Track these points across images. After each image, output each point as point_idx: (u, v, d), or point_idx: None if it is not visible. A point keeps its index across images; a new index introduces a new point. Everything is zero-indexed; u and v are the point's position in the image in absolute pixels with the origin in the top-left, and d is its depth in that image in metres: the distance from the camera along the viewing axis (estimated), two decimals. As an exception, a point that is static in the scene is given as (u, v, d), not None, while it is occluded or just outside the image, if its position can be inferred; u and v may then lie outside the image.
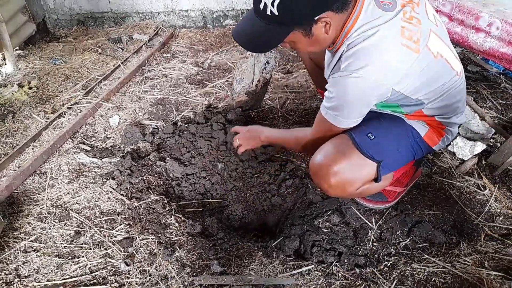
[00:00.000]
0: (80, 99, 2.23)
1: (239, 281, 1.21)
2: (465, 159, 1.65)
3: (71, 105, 2.18)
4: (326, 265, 1.28)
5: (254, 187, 1.70)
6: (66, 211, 1.49)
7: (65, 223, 1.44)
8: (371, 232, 1.39)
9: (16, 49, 2.85)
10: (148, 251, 1.33)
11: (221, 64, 2.81)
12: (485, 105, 2.02)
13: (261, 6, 0.98)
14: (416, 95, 1.10)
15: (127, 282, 1.22)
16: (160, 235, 1.40)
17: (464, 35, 1.82)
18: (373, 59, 0.98)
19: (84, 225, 1.43)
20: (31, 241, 1.37)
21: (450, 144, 1.69)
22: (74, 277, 1.24)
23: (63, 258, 1.31)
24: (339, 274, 1.24)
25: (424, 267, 1.21)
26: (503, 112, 1.96)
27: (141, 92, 2.39)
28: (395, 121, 1.24)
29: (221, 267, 1.28)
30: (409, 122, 1.24)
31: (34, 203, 1.53)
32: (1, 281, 1.22)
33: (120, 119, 2.10)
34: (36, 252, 1.32)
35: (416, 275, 1.19)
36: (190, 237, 1.40)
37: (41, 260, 1.30)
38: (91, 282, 1.22)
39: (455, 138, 1.67)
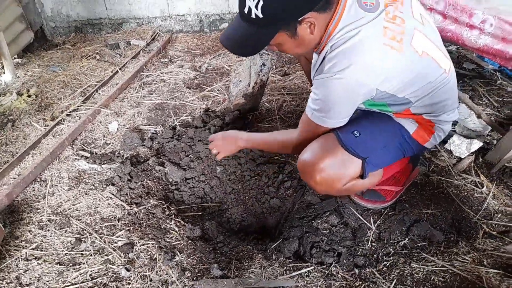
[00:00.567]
0: (79, 106, 2.24)
1: (239, 284, 1.22)
2: (462, 157, 1.65)
3: (70, 112, 2.20)
4: (325, 266, 1.29)
5: (253, 189, 1.71)
6: (67, 218, 1.50)
7: (66, 230, 1.45)
8: (370, 232, 1.39)
9: (15, 58, 2.88)
10: (149, 256, 1.34)
11: (218, 67, 2.82)
12: (481, 102, 2.02)
13: (246, 10, 1.00)
14: (402, 93, 1.11)
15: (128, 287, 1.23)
16: (160, 240, 1.41)
17: (458, 32, 1.83)
18: (355, 60, 1.00)
19: (85, 231, 1.44)
20: (32, 249, 1.38)
21: (446, 142, 1.69)
22: (75, 284, 1.25)
23: (64, 265, 1.31)
24: (339, 275, 1.24)
25: (423, 266, 1.22)
26: (499, 109, 1.96)
27: (140, 97, 2.40)
28: (383, 119, 1.25)
29: (221, 270, 1.28)
30: (398, 120, 1.25)
31: (34, 211, 1.55)
32: (3, 289, 1.23)
33: (119, 125, 2.12)
34: (37, 260, 1.33)
35: (415, 275, 1.20)
36: (190, 241, 1.41)
37: (42, 267, 1.31)
38: (92, 288, 1.23)
39: (451, 136, 1.68)
